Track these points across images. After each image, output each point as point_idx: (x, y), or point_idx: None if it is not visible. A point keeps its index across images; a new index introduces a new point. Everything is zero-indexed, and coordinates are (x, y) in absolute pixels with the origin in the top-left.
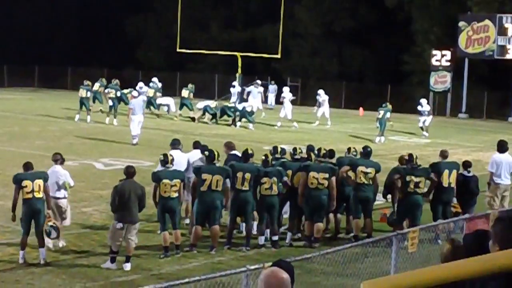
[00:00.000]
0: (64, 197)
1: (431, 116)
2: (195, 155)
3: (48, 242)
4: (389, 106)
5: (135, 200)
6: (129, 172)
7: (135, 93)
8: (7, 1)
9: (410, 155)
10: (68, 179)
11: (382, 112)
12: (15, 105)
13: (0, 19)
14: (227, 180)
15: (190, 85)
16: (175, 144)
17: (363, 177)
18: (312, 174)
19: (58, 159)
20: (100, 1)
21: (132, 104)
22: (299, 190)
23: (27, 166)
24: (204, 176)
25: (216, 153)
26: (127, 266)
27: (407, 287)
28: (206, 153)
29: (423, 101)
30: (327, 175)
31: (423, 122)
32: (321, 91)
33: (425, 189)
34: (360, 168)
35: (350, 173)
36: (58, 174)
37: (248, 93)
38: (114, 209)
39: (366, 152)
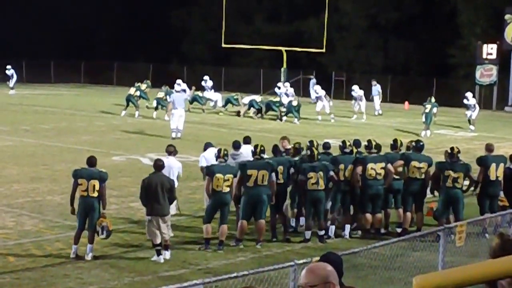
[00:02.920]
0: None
1: (477, 110)
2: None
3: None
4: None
5: (163, 193)
6: (157, 165)
7: (177, 87)
8: None
9: (452, 149)
10: (180, 170)
11: (429, 107)
12: (62, 100)
13: (46, 16)
14: (273, 174)
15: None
16: (208, 146)
17: (416, 171)
18: (370, 165)
19: (172, 151)
20: None
21: (172, 98)
22: (353, 182)
23: (90, 161)
24: (250, 171)
25: (259, 148)
26: (167, 254)
27: (458, 282)
28: (252, 148)
29: (469, 94)
30: (383, 164)
31: (470, 116)
32: (355, 87)
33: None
34: (413, 163)
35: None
36: (171, 166)
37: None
38: (143, 202)
39: (419, 147)
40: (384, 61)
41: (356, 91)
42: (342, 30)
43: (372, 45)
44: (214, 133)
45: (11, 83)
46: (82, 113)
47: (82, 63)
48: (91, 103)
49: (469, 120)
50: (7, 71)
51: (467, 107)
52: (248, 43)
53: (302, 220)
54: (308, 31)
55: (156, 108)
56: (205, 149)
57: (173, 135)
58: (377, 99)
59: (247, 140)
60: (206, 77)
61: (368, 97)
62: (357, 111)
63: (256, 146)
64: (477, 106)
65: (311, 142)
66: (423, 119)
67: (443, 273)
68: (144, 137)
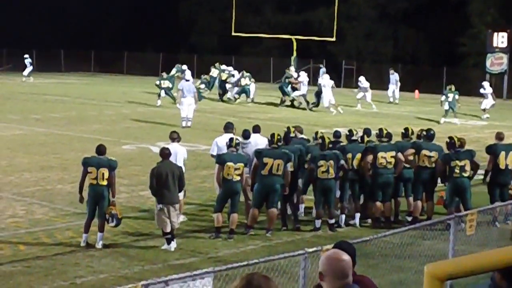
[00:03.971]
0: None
1: (493, 99)
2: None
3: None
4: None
5: (173, 180)
6: (164, 153)
7: (187, 76)
8: None
9: (451, 139)
10: (185, 155)
11: (451, 96)
12: (72, 89)
13: (56, 5)
14: (288, 165)
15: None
16: (229, 127)
17: (426, 160)
18: (380, 154)
19: (176, 137)
20: None
21: (181, 86)
22: (363, 171)
23: (99, 149)
24: (265, 160)
25: (276, 137)
26: (173, 243)
27: (470, 270)
28: (269, 137)
29: (486, 84)
30: (393, 153)
31: (486, 105)
32: (362, 78)
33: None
34: (424, 152)
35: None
36: (176, 152)
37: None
38: (153, 192)
39: (429, 136)
40: (393, 50)
41: (363, 82)
42: (352, 20)
43: (381, 34)
44: (224, 121)
45: (26, 71)
46: (92, 102)
47: (92, 52)
48: (101, 92)
49: (483, 109)
50: (25, 60)
51: (483, 96)
52: (258, 33)
53: (301, 208)
54: (318, 20)
55: (159, 96)
56: (225, 130)
57: (183, 123)
58: (393, 88)
59: (256, 129)
60: (230, 68)
61: (386, 86)
62: (361, 99)
63: (273, 135)
64: (493, 95)
65: (288, 128)
66: (446, 107)
67: (455, 261)
68: (154, 126)
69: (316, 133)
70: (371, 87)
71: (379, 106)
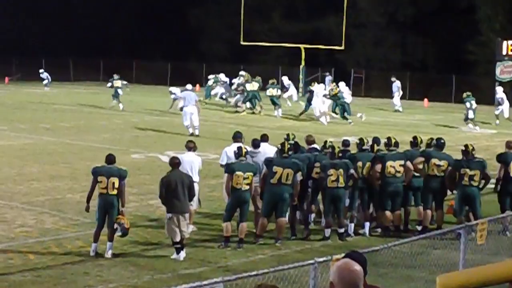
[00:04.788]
0: (196, 182)
1: (506, 104)
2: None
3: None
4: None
5: (183, 190)
6: (174, 162)
7: (188, 86)
8: None
9: (466, 147)
10: (200, 164)
11: (473, 102)
12: (81, 98)
13: (65, 14)
14: (298, 175)
15: (257, 78)
16: (238, 137)
17: (436, 169)
18: (389, 163)
19: (192, 146)
20: None
21: (183, 94)
22: (372, 180)
23: (109, 159)
24: (275, 168)
25: (286, 146)
26: (182, 253)
27: (482, 281)
28: (279, 146)
29: (499, 89)
30: (402, 162)
31: (501, 111)
32: (341, 83)
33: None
34: (433, 161)
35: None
36: (192, 161)
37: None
38: (163, 201)
39: (440, 144)
40: (402, 57)
41: (341, 87)
42: (360, 27)
43: (390, 42)
44: (232, 130)
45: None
46: (101, 111)
47: (101, 61)
48: (109, 101)
49: (496, 115)
50: (41, 75)
51: (498, 102)
52: (266, 41)
53: (311, 217)
54: (326, 29)
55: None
56: (234, 139)
57: (190, 130)
58: (396, 96)
59: (264, 138)
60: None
61: (390, 94)
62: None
63: (283, 144)
64: (504, 100)
65: (287, 135)
66: (471, 115)
67: (467, 272)
68: (162, 135)
69: (325, 142)
70: (378, 95)
71: (386, 114)
